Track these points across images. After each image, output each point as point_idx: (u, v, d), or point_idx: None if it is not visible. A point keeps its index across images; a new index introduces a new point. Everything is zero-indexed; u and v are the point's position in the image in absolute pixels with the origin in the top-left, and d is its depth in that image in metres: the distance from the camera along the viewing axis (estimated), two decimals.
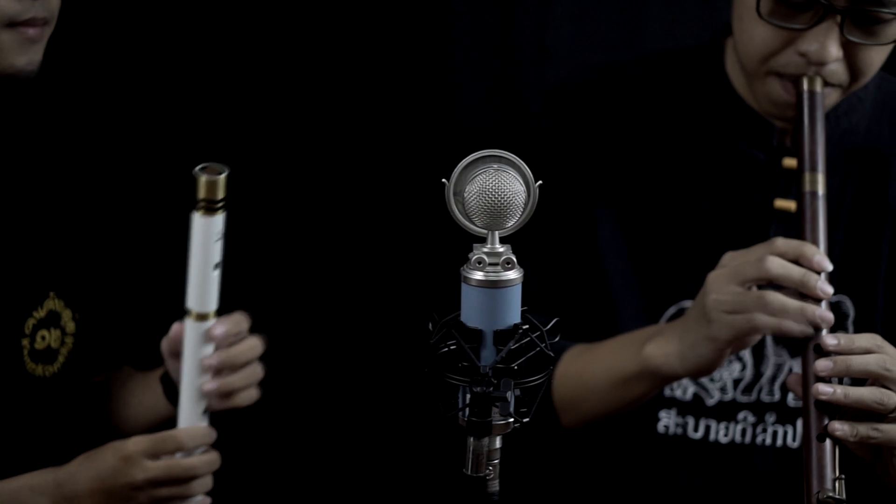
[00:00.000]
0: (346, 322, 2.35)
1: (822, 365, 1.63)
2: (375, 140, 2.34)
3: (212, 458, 1.65)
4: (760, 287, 1.69)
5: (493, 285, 1.20)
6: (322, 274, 2.35)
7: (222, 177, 1.54)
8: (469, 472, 1.24)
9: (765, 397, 1.91)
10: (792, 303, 1.66)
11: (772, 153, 1.88)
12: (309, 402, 2.35)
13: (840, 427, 1.61)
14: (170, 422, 1.69)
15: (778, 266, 1.66)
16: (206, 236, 1.56)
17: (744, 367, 1.91)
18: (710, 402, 1.92)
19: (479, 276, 1.20)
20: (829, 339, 1.64)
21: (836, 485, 1.60)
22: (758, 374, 1.91)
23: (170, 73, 2.29)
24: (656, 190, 1.92)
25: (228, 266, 1.61)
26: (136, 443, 1.61)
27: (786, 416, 1.91)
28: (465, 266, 1.21)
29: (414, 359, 2.24)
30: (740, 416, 1.91)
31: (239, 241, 1.79)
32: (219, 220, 1.56)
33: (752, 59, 1.81)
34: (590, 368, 1.84)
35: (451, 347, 1.22)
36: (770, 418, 1.91)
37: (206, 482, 1.65)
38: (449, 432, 1.24)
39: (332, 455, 2.37)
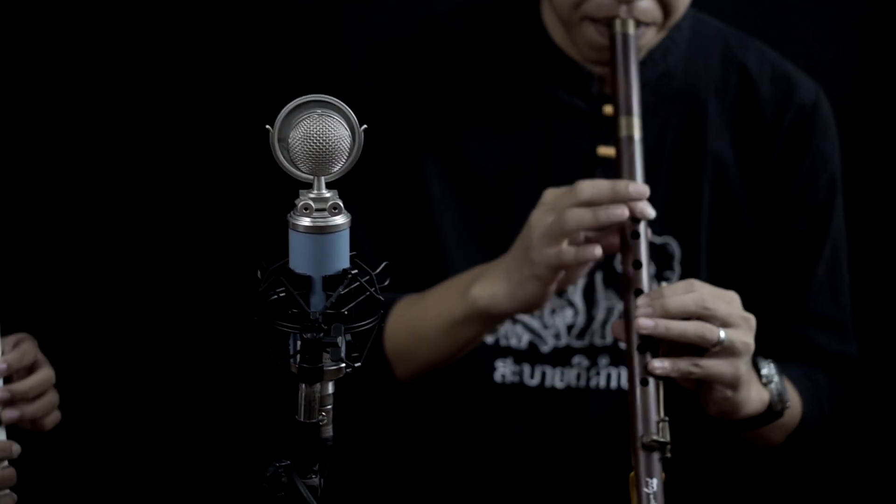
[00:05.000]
0: (173, 273, 2.34)
1: (642, 305, 1.66)
2: (196, 87, 2.32)
3: (8, 474, 1.59)
4: None
5: (321, 231, 1.21)
6: (148, 224, 2.33)
7: None
8: (302, 419, 1.24)
9: (597, 341, 1.94)
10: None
11: (592, 101, 1.91)
12: (140, 356, 2.34)
13: (660, 364, 1.64)
14: None
15: (588, 187, 1.69)
16: None
17: (576, 313, 1.94)
18: (545, 348, 1.94)
19: (306, 222, 1.21)
20: (643, 299, 1.67)
21: (660, 427, 1.64)
22: (590, 319, 1.94)
23: None
24: (482, 143, 1.94)
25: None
26: None
27: (618, 358, 1.94)
28: (291, 213, 1.21)
29: (243, 307, 2.22)
30: (574, 360, 1.94)
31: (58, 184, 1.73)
32: None
33: (564, 7, 1.83)
34: (419, 317, 1.85)
35: (281, 294, 1.22)
36: (603, 361, 1.94)
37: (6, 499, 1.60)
38: (280, 379, 1.24)
39: (167, 408, 2.35)
